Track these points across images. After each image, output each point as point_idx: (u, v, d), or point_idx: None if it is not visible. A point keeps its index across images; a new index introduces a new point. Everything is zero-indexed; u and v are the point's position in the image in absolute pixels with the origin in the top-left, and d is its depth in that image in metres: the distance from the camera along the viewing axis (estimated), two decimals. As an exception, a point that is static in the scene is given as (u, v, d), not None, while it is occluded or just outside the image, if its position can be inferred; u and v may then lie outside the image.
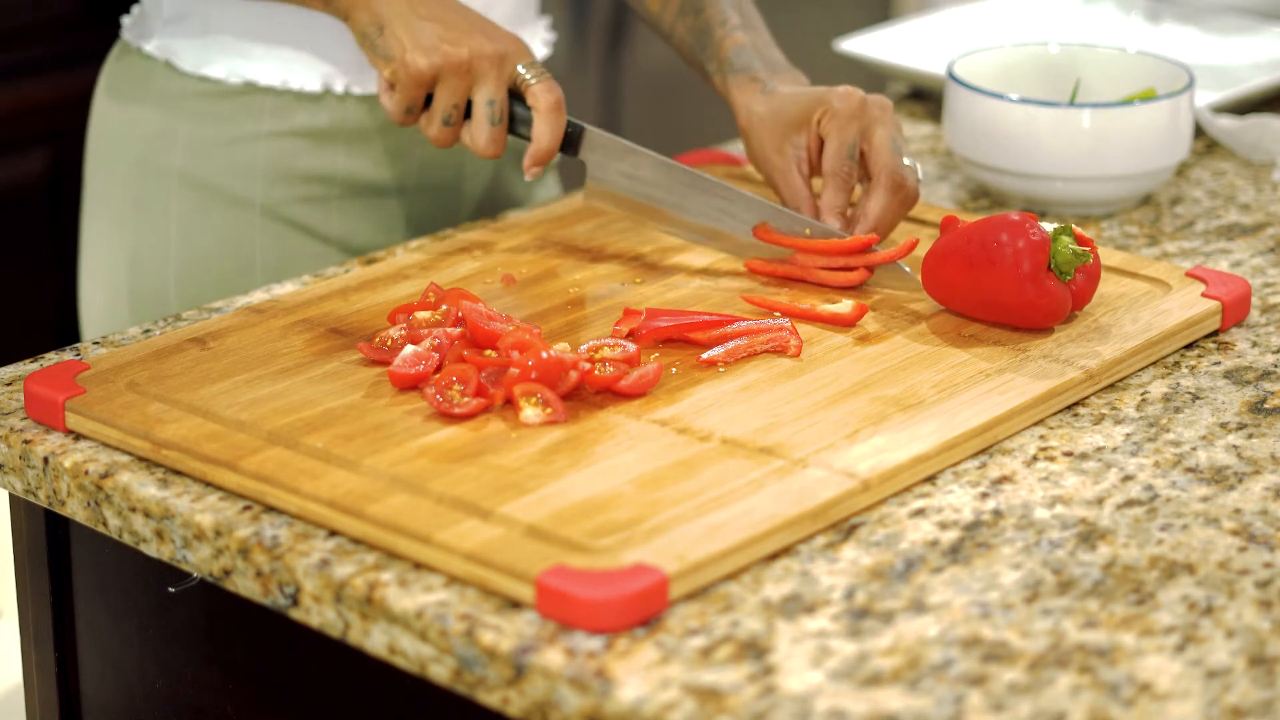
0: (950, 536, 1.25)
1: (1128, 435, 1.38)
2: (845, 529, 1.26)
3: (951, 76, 1.81)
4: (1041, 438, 1.37)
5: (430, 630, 1.16)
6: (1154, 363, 1.48)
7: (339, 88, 1.74)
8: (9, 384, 1.43)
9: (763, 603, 1.17)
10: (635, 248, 1.63)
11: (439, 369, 1.38)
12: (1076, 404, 1.42)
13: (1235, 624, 1.16)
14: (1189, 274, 1.57)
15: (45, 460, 1.34)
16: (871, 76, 2.16)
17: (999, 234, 1.46)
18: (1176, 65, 1.83)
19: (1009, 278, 1.45)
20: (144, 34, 1.78)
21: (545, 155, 1.58)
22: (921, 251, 1.60)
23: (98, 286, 1.82)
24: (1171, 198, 1.83)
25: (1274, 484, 1.32)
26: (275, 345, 1.45)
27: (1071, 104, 1.76)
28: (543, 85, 1.58)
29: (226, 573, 1.26)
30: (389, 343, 1.43)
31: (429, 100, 1.59)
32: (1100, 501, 1.29)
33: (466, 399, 1.34)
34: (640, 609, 1.15)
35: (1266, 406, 1.42)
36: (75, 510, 1.33)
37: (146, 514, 1.29)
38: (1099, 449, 1.36)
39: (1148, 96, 1.80)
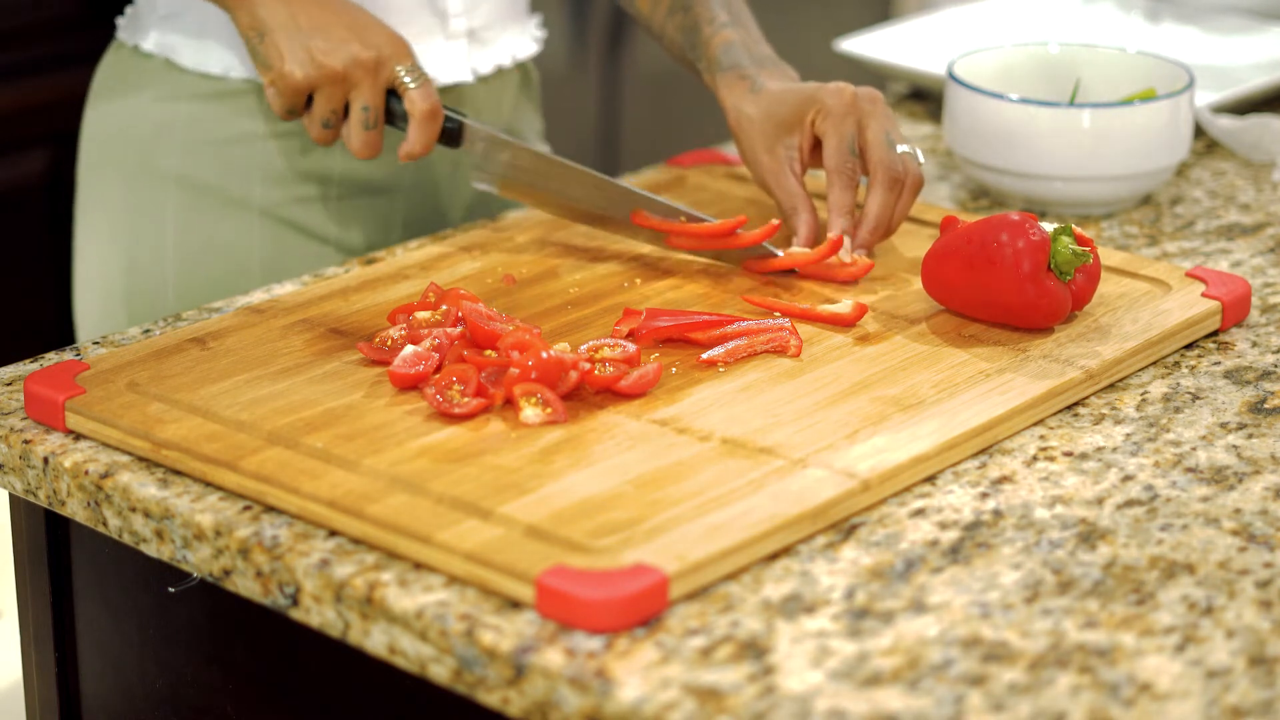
0: (950, 536, 1.25)
1: (1128, 435, 1.38)
2: (845, 529, 1.26)
3: (951, 76, 1.81)
4: (1041, 438, 1.37)
5: (430, 630, 1.16)
6: (1154, 363, 1.48)
7: None
8: (9, 384, 1.43)
9: (763, 603, 1.17)
10: (635, 248, 1.63)
11: (439, 369, 1.38)
12: (1076, 404, 1.42)
13: (1235, 624, 1.16)
14: (1189, 274, 1.57)
15: (45, 460, 1.34)
16: (872, 76, 2.16)
17: (999, 234, 1.46)
18: (1176, 65, 1.83)
19: (1009, 278, 1.45)
20: (140, 33, 1.78)
21: (417, 155, 1.64)
22: (921, 251, 1.60)
23: (93, 290, 1.81)
24: (1171, 198, 1.83)
25: (1274, 484, 1.32)
26: (275, 345, 1.45)
27: (1071, 104, 1.76)
28: (420, 91, 1.62)
29: (226, 573, 1.26)
30: (389, 343, 1.43)
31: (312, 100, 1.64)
32: (1100, 501, 1.29)
33: (466, 399, 1.34)
34: (640, 609, 1.15)
35: (1266, 406, 1.42)
36: (75, 510, 1.33)
37: (146, 514, 1.29)
38: (1099, 449, 1.36)
39: (1148, 96, 1.80)
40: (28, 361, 1.47)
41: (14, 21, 2.83)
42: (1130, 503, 1.29)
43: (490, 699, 1.15)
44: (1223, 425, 1.39)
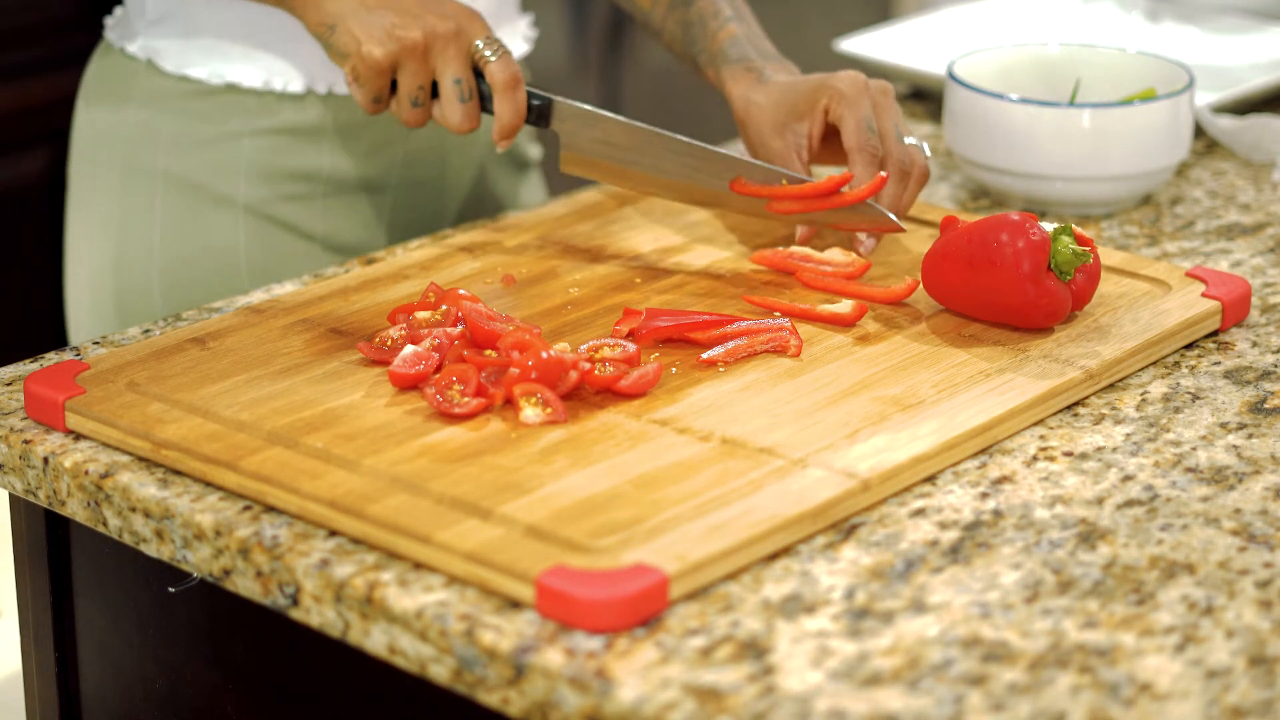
0: (950, 536, 1.25)
1: (1128, 435, 1.38)
2: (845, 529, 1.26)
3: (951, 76, 1.81)
4: (1041, 438, 1.37)
5: (430, 630, 1.16)
6: (1154, 363, 1.48)
7: (321, 88, 1.74)
8: (9, 384, 1.43)
9: (763, 603, 1.17)
10: (635, 248, 1.63)
11: (439, 369, 1.38)
12: (1076, 404, 1.42)
13: (1235, 624, 1.16)
14: (1189, 274, 1.57)
15: (45, 460, 1.34)
16: (871, 77, 2.16)
17: (999, 234, 1.46)
18: (1176, 65, 1.83)
19: (1009, 278, 1.45)
20: (127, 35, 1.78)
21: (509, 130, 1.60)
22: (921, 251, 1.60)
23: (83, 287, 1.82)
24: (1171, 198, 1.83)
25: (1274, 484, 1.32)
26: (275, 345, 1.45)
27: (1071, 104, 1.76)
28: (499, 63, 1.59)
29: (226, 573, 1.26)
30: (389, 343, 1.43)
31: (396, 86, 1.60)
32: (1100, 501, 1.29)
33: (466, 399, 1.34)
34: (640, 609, 1.15)
35: (1266, 406, 1.42)
36: (75, 510, 1.33)
37: (146, 514, 1.29)
38: (1099, 449, 1.36)
39: (1148, 96, 1.80)
40: (28, 361, 1.47)
41: (13, 21, 2.83)
42: (1130, 503, 1.29)
43: (490, 699, 1.15)
44: (1223, 425, 1.39)
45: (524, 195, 1.93)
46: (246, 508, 1.27)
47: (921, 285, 1.53)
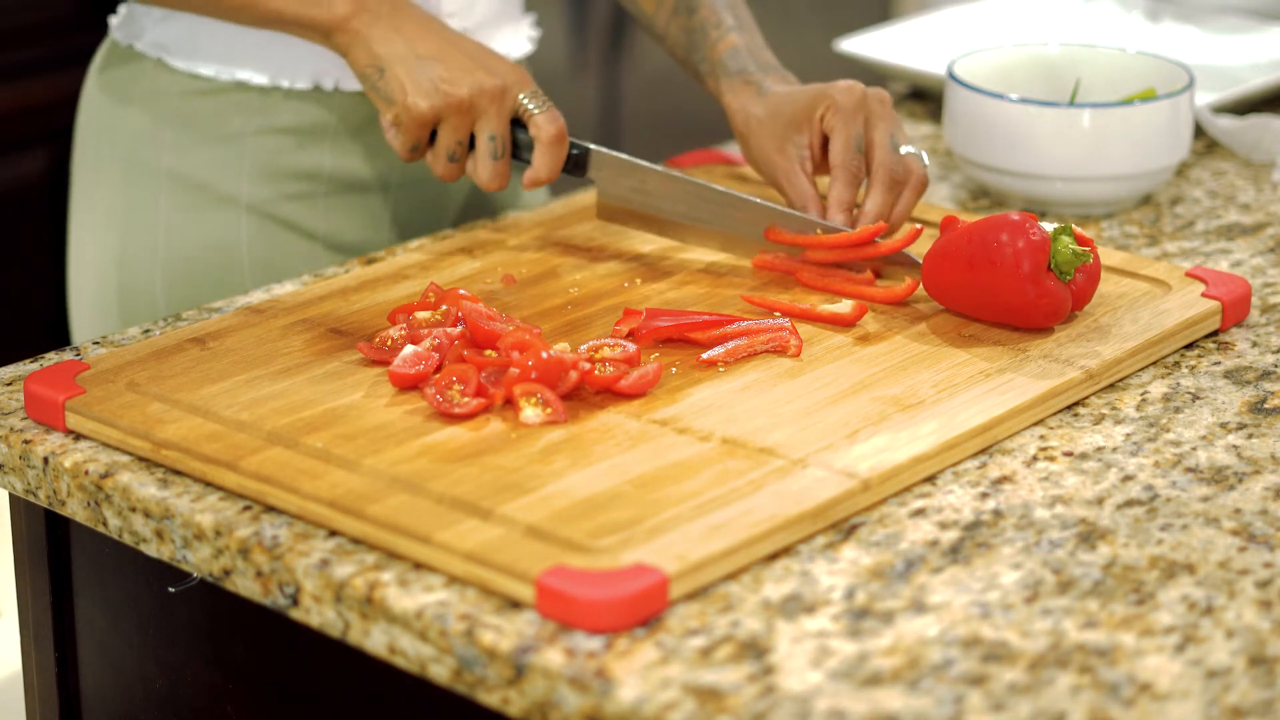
0: (950, 536, 1.25)
1: (1128, 435, 1.38)
2: (845, 529, 1.26)
3: (951, 76, 1.81)
4: (1041, 438, 1.37)
5: (430, 630, 1.16)
6: (1154, 363, 1.48)
7: (329, 84, 1.74)
8: (9, 384, 1.43)
9: (763, 603, 1.17)
10: (635, 248, 1.63)
11: (439, 369, 1.38)
12: (1076, 404, 1.42)
13: (1235, 624, 1.16)
14: (1189, 274, 1.57)
15: (45, 460, 1.34)
16: (871, 77, 2.16)
17: (999, 234, 1.46)
18: (1176, 65, 1.83)
19: (1009, 278, 1.45)
20: (134, 32, 1.78)
21: (544, 181, 1.61)
22: (922, 251, 1.60)
23: (86, 285, 1.82)
24: (1171, 198, 1.83)
25: (1274, 484, 1.32)
26: (275, 345, 1.45)
27: (1071, 104, 1.76)
28: (545, 116, 1.59)
29: (226, 573, 1.26)
30: (389, 343, 1.43)
31: (434, 134, 1.60)
32: (1100, 501, 1.29)
33: (466, 399, 1.35)
34: (640, 609, 1.15)
35: (1266, 406, 1.42)
36: (75, 510, 1.33)
37: (146, 514, 1.29)
38: (1099, 449, 1.36)
39: (1148, 96, 1.80)
40: (28, 361, 1.47)
41: (14, 21, 2.83)
42: (1130, 503, 1.29)
43: (490, 699, 1.15)
44: (1223, 425, 1.39)
45: (525, 196, 1.93)
46: (246, 508, 1.27)
47: (921, 285, 1.53)
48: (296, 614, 1.23)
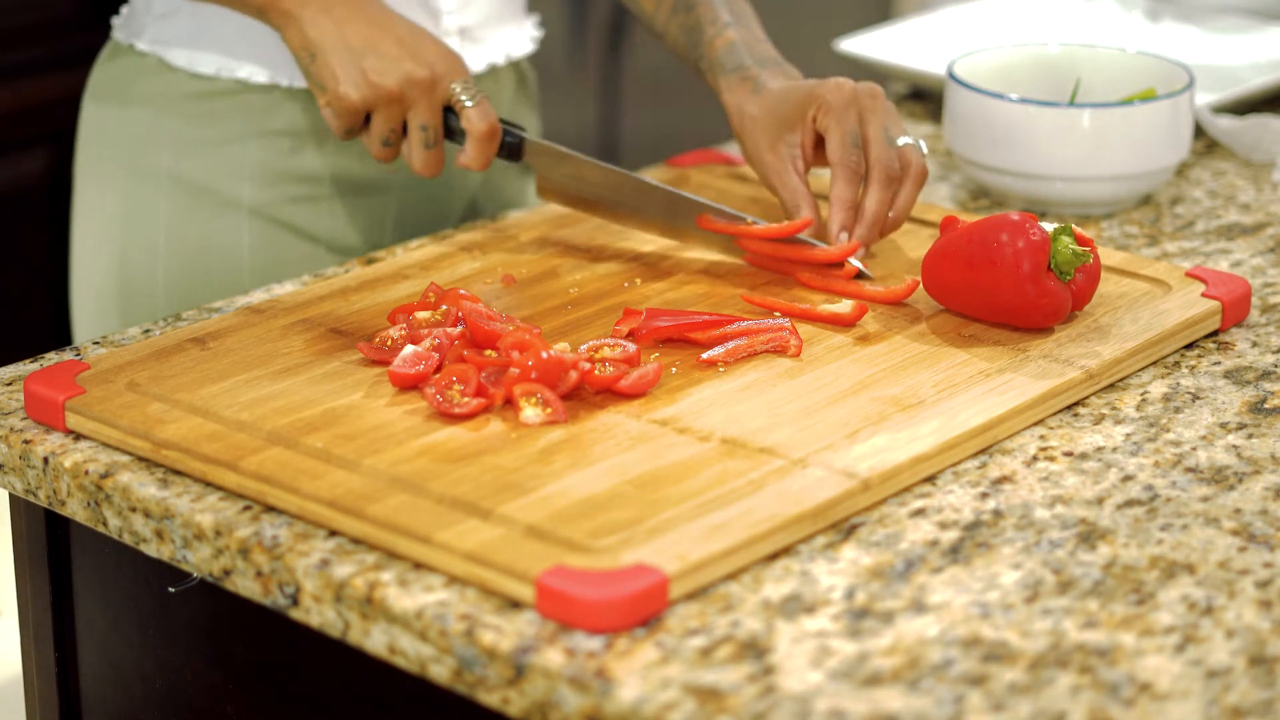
0: (950, 536, 1.25)
1: (1128, 435, 1.38)
2: (845, 529, 1.26)
3: (951, 76, 1.81)
4: (1041, 438, 1.37)
5: (430, 630, 1.16)
6: (1154, 363, 1.48)
7: None
8: (9, 384, 1.43)
9: (763, 603, 1.17)
10: (635, 248, 1.63)
11: (439, 369, 1.39)
12: (1076, 404, 1.42)
13: (1235, 624, 1.16)
14: (1189, 274, 1.57)
15: (45, 460, 1.34)
16: (871, 76, 2.16)
17: (999, 234, 1.46)
18: (1176, 65, 1.83)
19: (1009, 278, 1.45)
20: (135, 32, 1.78)
21: (475, 170, 1.63)
22: (921, 251, 1.60)
23: (88, 286, 1.82)
24: (1171, 198, 1.83)
25: (1274, 484, 1.32)
26: (275, 345, 1.45)
27: (1071, 104, 1.76)
28: (477, 110, 1.61)
29: (226, 573, 1.26)
30: (389, 343, 1.43)
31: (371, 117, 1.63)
32: (1100, 501, 1.29)
33: (466, 399, 1.35)
34: (640, 609, 1.15)
35: (1266, 406, 1.42)
36: (75, 510, 1.33)
37: (146, 514, 1.29)
38: (1099, 449, 1.36)
39: (1148, 96, 1.80)
40: (28, 361, 1.47)
41: (13, 21, 2.83)
42: (1130, 503, 1.29)
43: (490, 699, 1.15)
44: (1223, 425, 1.39)
45: (528, 197, 1.93)
46: (246, 508, 1.27)
47: (921, 285, 1.53)
48: (296, 614, 1.23)
